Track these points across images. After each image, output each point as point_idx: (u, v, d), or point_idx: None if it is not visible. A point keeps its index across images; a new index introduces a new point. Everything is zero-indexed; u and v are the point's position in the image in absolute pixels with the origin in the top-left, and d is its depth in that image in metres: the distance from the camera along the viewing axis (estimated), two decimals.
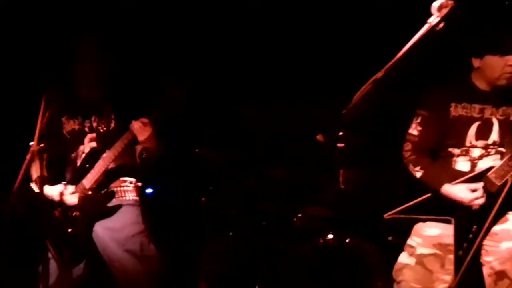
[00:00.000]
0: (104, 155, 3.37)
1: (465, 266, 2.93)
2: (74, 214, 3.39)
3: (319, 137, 2.38)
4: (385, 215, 3.10)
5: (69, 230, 3.38)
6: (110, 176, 3.44)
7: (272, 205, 4.34)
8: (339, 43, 4.58)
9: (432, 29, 2.15)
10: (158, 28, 4.54)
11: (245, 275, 4.20)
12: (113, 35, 3.75)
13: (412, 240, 3.14)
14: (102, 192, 3.40)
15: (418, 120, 3.10)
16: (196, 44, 4.60)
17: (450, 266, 3.01)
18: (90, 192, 3.37)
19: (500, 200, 2.93)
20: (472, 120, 3.04)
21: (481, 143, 3.03)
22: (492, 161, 3.00)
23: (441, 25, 2.18)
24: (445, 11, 2.17)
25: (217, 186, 4.58)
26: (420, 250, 3.08)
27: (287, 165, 4.49)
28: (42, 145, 3.15)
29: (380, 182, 3.33)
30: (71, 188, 3.39)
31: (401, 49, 2.13)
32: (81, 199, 3.36)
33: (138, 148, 3.49)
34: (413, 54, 2.11)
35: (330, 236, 4.06)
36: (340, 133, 2.65)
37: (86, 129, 3.49)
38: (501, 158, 2.99)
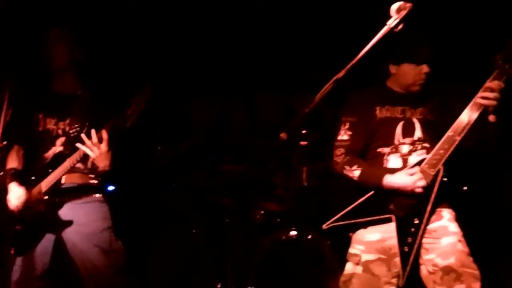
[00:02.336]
0: (65, 162, 3.31)
1: (411, 260, 2.99)
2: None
3: (282, 135, 2.42)
4: (324, 225, 3.16)
5: (17, 227, 3.35)
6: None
7: (233, 202, 4.37)
8: (293, 43, 4.62)
9: (391, 31, 2.23)
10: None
11: (204, 271, 4.23)
12: (84, 24, 3.69)
13: (354, 249, 3.14)
14: (56, 200, 3.37)
15: (347, 126, 3.20)
16: (148, 44, 4.58)
17: (396, 269, 3.06)
18: (46, 197, 3.36)
19: (436, 188, 3.00)
20: (397, 120, 3.16)
21: (408, 140, 3.14)
22: (420, 156, 3.10)
23: (400, 27, 2.26)
24: (403, 13, 2.26)
25: (177, 183, 4.59)
26: (365, 257, 3.09)
27: (245, 162, 4.52)
28: (5, 142, 3.12)
29: (339, 179, 3.37)
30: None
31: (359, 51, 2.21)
32: (34, 202, 3.35)
33: None
34: (371, 55, 2.19)
35: (292, 232, 4.10)
36: (303, 131, 2.71)
37: (60, 131, 3.43)
38: (427, 153, 3.09)
